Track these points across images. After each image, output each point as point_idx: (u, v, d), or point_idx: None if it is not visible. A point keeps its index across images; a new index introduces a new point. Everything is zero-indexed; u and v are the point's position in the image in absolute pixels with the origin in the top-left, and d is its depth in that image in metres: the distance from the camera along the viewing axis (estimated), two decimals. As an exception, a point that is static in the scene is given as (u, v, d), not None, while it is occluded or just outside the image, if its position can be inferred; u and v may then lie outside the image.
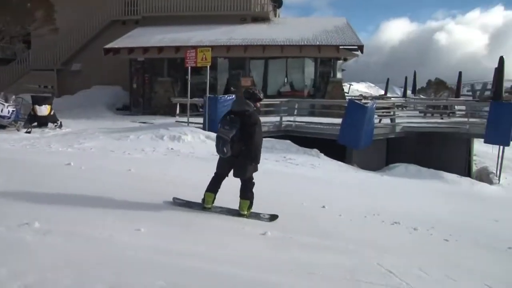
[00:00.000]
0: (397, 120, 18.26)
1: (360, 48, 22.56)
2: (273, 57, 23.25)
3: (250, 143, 5.79)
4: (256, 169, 6.19)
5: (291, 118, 17.56)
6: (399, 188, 12.00)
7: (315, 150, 14.03)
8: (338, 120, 15.73)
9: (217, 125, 14.32)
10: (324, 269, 4.90)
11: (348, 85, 42.73)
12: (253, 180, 6.20)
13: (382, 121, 18.09)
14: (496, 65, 18.03)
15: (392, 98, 30.25)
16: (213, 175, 6.16)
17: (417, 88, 36.84)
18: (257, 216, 6.37)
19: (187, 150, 13.05)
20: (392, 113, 18.66)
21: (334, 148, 14.76)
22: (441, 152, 17.74)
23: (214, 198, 6.16)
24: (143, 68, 25.03)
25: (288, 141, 14.63)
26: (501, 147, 16.28)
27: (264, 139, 14.69)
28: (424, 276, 5.29)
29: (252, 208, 6.40)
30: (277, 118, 17.36)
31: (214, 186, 6.10)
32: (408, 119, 19.30)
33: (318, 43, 22.45)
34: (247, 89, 6.17)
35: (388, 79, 37.69)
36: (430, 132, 17.85)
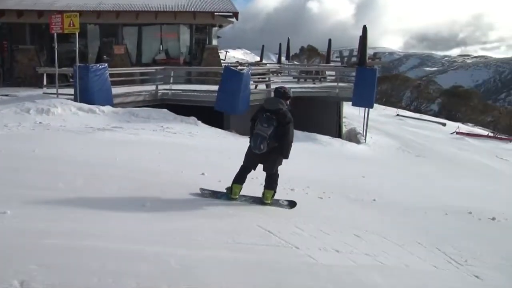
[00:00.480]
0: (272, 86, 18.75)
1: (235, 15, 22.62)
2: (147, 24, 22.44)
3: (285, 140, 6.00)
4: (281, 163, 6.39)
5: (167, 87, 17.23)
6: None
7: (193, 118, 13.97)
8: (215, 87, 15.78)
9: (90, 96, 13.91)
10: (206, 235, 4.96)
11: (225, 52, 42.82)
12: (278, 172, 6.42)
13: (258, 87, 18.47)
14: (361, 33, 19.13)
15: (267, 65, 30.96)
16: (240, 167, 6.34)
17: (291, 55, 38.01)
18: (277, 203, 6.60)
19: (58, 123, 12.25)
20: (267, 79, 19.13)
21: (212, 115, 14.83)
22: (315, 115, 18.67)
23: (241, 189, 6.38)
24: (0, 34, 22.64)
25: (165, 110, 14.37)
26: (366, 109, 17.58)
27: (140, 108, 14.42)
28: (300, 233, 5.60)
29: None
30: (153, 87, 16.91)
31: (241, 178, 6.33)
32: (283, 85, 19.93)
33: (193, 9, 22.06)
34: (278, 88, 6.30)
35: (263, 46, 38.26)
36: (304, 96, 18.62)
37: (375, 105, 23.03)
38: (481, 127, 43.37)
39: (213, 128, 13.98)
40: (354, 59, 23.84)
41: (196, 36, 23.26)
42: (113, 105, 14.47)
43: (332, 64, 28.11)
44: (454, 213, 8.27)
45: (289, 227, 5.71)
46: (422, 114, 43.12)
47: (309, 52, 62.35)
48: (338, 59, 28.20)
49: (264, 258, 4.58)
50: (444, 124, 33.59)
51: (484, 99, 70.80)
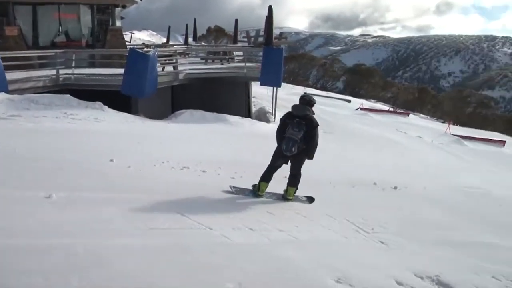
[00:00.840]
0: (180, 68, 18.46)
1: (139, -6, 21.91)
2: (42, 3, 20.96)
3: (313, 142, 6.52)
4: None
5: (69, 71, 16.31)
6: (186, 134, 12.32)
7: (99, 103, 13.40)
8: (121, 70, 15.22)
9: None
10: (118, 222, 4.85)
11: (130, 34, 41.40)
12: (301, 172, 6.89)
13: (165, 69, 18.08)
14: (267, 14, 19.28)
15: (174, 46, 30.37)
16: (268, 167, 6.81)
17: (198, 36, 37.59)
18: (297, 198, 7.01)
19: None
20: (174, 60, 18.77)
21: (119, 99, 14.30)
22: (224, 96, 18.64)
23: (267, 186, 6.84)
24: None
25: (68, 96, 13.63)
26: (274, 88, 17.86)
27: (40, 95, 13.57)
28: (214, 214, 5.64)
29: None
30: (53, 72, 15.94)
31: (268, 176, 6.81)
32: (191, 66, 19.70)
33: (92, -12, 20.99)
34: (304, 96, 6.87)
35: (169, 27, 37.41)
36: (212, 77, 18.53)
37: (283, 84, 23.52)
38: (382, 103, 46.03)
39: (120, 112, 13.51)
40: (261, 39, 24.02)
41: (98, 17, 22.18)
42: (8, 92, 13.45)
43: (239, 44, 28.17)
44: (361, 185, 8.71)
45: (203, 209, 5.71)
46: (328, 92, 44.87)
47: (216, 32, 61.96)
48: (245, 39, 28.27)
49: (178, 241, 4.56)
50: (349, 101, 35.22)
51: (384, 76, 74.81)
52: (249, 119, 16.82)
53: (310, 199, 7.13)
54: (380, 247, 5.62)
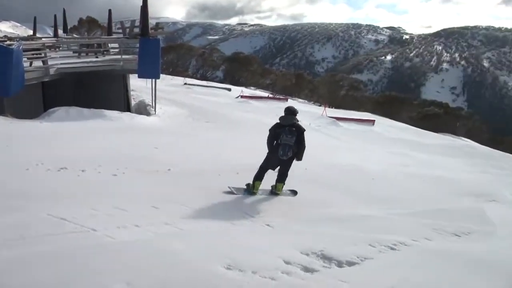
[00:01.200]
0: (50, 62, 17.28)
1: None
2: None
3: (301, 146, 7.49)
4: None
5: None
6: (62, 133, 11.63)
7: (-46, 104, 12.13)
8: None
9: None
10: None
11: (-11, 26, 37.86)
12: None
13: (33, 64, 16.83)
14: (142, 3, 18.70)
15: (42, 39, 28.39)
16: (260, 168, 7.67)
17: (69, 27, 35.49)
18: (282, 192, 7.86)
19: None
20: (43, 54, 17.54)
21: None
22: (101, 90, 17.83)
23: (260, 184, 7.64)
24: None
25: None
26: (153, 80, 17.50)
27: None
28: (95, 213, 5.44)
29: None
30: None
31: (261, 176, 7.65)
32: (62, 60, 18.56)
33: None
34: (289, 107, 7.96)
35: (35, 18, 34.80)
36: (87, 72, 17.62)
37: (162, 75, 23.10)
38: (262, 90, 47.29)
39: (-19, 114, 12.36)
40: (136, 30, 23.29)
41: None
42: None
43: (114, 36, 27.11)
44: (244, 171, 8.86)
45: (84, 211, 5.48)
46: (208, 82, 44.97)
47: (89, 24, 58.94)
48: (120, 31, 27.26)
49: (59, 247, 4.34)
50: (229, 89, 35.62)
51: (262, 64, 76.75)
52: (129, 113, 16.33)
53: (294, 192, 7.98)
54: (266, 230, 5.81)
